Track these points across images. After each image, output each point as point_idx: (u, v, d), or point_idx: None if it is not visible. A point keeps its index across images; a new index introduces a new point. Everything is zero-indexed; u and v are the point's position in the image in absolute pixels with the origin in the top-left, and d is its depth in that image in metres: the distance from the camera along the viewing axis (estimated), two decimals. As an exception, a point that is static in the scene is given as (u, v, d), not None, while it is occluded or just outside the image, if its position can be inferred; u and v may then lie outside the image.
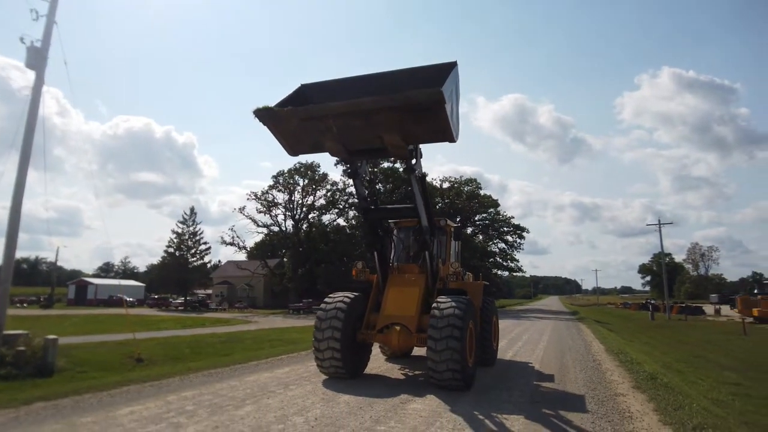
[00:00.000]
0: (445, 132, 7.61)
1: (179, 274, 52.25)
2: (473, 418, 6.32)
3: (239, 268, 59.84)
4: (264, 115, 7.78)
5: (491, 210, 63.19)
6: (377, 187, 52.13)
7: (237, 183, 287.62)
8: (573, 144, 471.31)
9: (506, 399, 7.61)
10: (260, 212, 56.42)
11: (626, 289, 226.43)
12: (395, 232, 11.36)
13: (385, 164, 52.69)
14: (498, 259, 63.73)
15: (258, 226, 56.69)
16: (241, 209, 55.84)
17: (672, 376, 10.69)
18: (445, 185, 60.62)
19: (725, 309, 49.53)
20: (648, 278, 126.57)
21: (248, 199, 57.26)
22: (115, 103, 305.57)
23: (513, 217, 65.57)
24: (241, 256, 62.01)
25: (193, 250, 54.20)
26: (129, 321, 18.22)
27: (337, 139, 7.88)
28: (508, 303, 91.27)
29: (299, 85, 9.05)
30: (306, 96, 8.74)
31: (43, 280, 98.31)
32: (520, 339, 18.60)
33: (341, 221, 58.11)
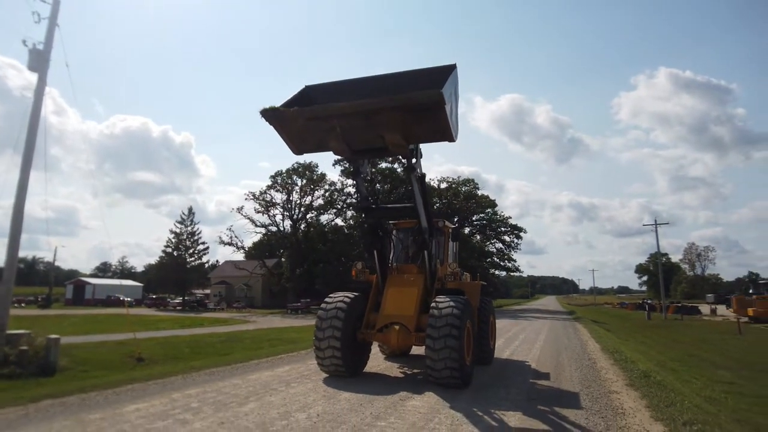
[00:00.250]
0: (444, 132, 7.82)
1: (177, 274, 52.34)
2: (471, 414, 6.49)
3: (237, 268, 59.87)
4: (271, 115, 7.96)
5: (489, 210, 63.44)
6: (376, 187, 52.26)
7: (235, 183, 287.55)
8: (570, 144, 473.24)
9: (503, 396, 7.79)
10: (258, 212, 56.48)
11: (623, 289, 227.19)
12: (394, 232, 11.53)
13: (383, 164, 52.84)
14: (495, 259, 64.00)
15: (256, 226, 56.74)
16: (239, 209, 55.90)
17: (665, 374, 10.87)
18: (443, 185, 60.80)
19: (721, 309, 49.80)
20: (645, 278, 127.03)
21: (246, 199, 57.39)
22: (112, 103, 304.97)
23: (510, 218, 65.94)
24: (239, 256, 62.09)
25: (191, 250, 54.32)
26: (131, 320, 18.33)
27: (341, 139, 8.07)
28: (506, 303, 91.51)
29: (303, 86, 9.25)
30: (310, 97, 8.93)
31: (41, 280, 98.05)
32: (517, 338, 18.79)
33: (339, 221, 58.26)
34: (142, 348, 12.38)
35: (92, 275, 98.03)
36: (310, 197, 57.42)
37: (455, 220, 54.47)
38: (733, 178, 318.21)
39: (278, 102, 8.40)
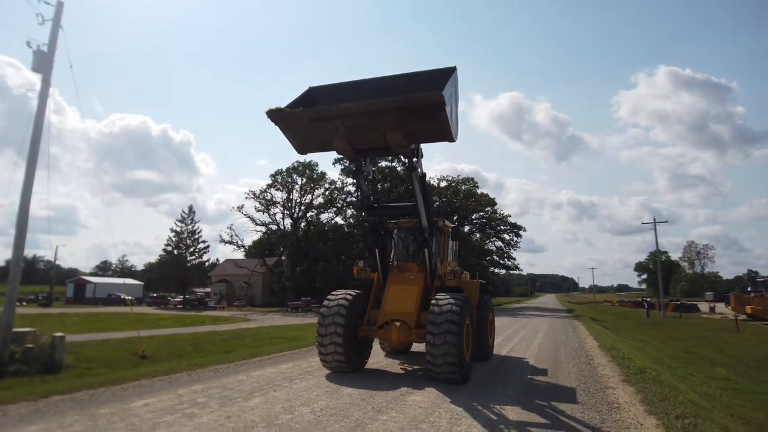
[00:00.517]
0: (444, 132, 8.02)
1: (178, 273, 52.49)
2: (470, 408, 6.67)
3: (238, 267, 60.06)
4: (276, 115, 8.15)
5: (488, 208, 63.55)
6: (377, 186, 52.43)
7: (234, 181, 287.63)
8: (570, 142, 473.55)
9: (502, 391, 7.96)
10: (259, 211, 56.67)
11: (623, 287, 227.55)
12: (395, 231, 11.71)
13: (384, 163, 52.97)
14: (495, 257, 64.17)
15: (256, 224, 56.93)
16: (240, 208, 56.09)
17: (661, 370, 11.04)
18: (443, 184, 60.96)
19: (720, 306, 50.00)
20: (644, 276, 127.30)
21: (247, 197, 57.58)
22: (111, 101, 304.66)
23: (510, 216, 66.11)
24: (240, 255, 62.30)
25: (191, 249, 54.43)
26: (132, 319, 18.49)
27: (344, 138, 8.26)
28: (506, 301, 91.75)
29: (308, 88, 9.42)
30: (314, 98, 9.11)
31: (41, 279, 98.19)
32: (516, 335, 18.97)
33: (339, 220, 58.46)
34: (145, 346, 12.53)
35: (92, 274, 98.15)
36: (310, 196, 57.63)
37: (455, 218, 54.60)
38: (733, 176, 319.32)
39: (279, 102, 8.63)
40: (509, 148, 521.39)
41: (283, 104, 8.39)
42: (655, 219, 47.72)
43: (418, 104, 7.42)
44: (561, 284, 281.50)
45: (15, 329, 10.28)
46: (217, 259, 76.94)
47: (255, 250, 65.68)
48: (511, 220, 65.18)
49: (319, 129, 8.27)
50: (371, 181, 49.94)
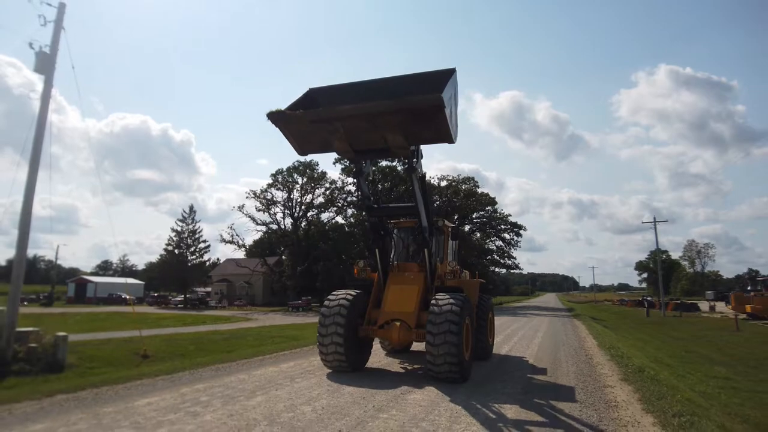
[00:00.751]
0: (444, 134, 8.09)
1: (179, 272, 52.50)
2: (469, 407, 6.75)
3: (238, 266, 60.12)
4: (277, 117, 8.22)
5: (489, 208, 63.57)
6: (377, 186, 52.49)
7: (235, 181, 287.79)
8: (570, 141, 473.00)
9: (501, 390, 8.03)
10: (259, 210, 56.70)
11: (623, 286, 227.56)
12: (395, 231, 11.78)
13: (384, 163, 53.00)
14: (495, 256, 64.18)
15: (257, 224, 56.95)
16: (240, 207, 56.15)
17: (660, 369, 11.11)
18: (443, 183, 61.00)
19: (720, 306, 50.08)
20: (645, 275, 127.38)
21: (247, 197, 57.58)
22: (111, 101, 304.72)
23: (510, 215, 66.09)
24: (240, 254, 62.34)
25: (192, 248, 54.46)
26: (134, 318, 18.58)
27: (344, 140, 8.33)
28: (506, 300, 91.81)
29: (308, 89, 9.49)
30: (314, 100, 9.18)
31: (42, 278, 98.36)
32: (516, 335, 19.03)
33: (340, 219, 58.49)
34: (147, 345, 12.60)
35: (93, 273, 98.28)
36: (310, 195, 57.60)
37: (455, 217, 54.70)
38: (733, 175, 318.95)
39: (280, 101, 8.72)
40: (509, 147, 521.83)
41: (283, 104, 8.47)
42: (655, 218, 47.82)
43: (417, 107, 7.48)
44: (561, 283, 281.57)
45: (18, 329, 10.35)
46: (218, 259, 77.12)
47: (256, 250, 65.73)
48: (512, 219, 65.22)
49: (319, 131, 8.34)
50: (371, 181, 50.02)
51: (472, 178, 63.37)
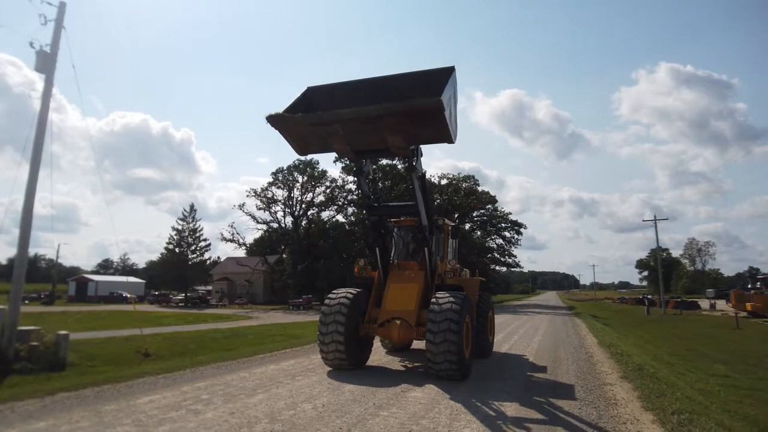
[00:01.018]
0: (444, 135, 8.14)
1: (179, 271, 52.59)
2: (469, 405, 6.77)
3: (239, 265, 60.16)
4: (276, 121, 8.24)
5: (489, 206, 63.59)
6: (378, 185, 52.47)
7: (235, 179, 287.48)
8: (571, 139, 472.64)
9: (501, 388, 8.06)
10: (260, 209, 56.77)
11: (624, 284, 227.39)
12: (395, 230, 11.80)
13: (384, 162, 53.00)
14: (496, 254, 64.20)
15: (257, 222, 57.02)
16: (241, 206, 56.24)
17: (660, 367, 11.14)
18: (444, 182, 61.02)
19: (721, 304, 50.10)
20: (645, 273, 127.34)
21: (248, 195, 57.77)
22: (112, 99, 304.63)
23: (510, 213, 66.12)
24: (241, 253, 62.36)
25: (193, 247, 54.54)
26: (135, 317, 18.62)
27: (344, 141, 8.35)
28: (506, 298, 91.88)
29: (306, 88, 9.47)
30: (312, 99, 9.15)
31: (42, 277, 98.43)
32: (516, 333, 19.06)
33: (340, 218, 58.55)
34: (148, 343, 12.63)
35: (94, 272, 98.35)
36: (311, 194, 57.63)
37: (456, 216, 54.69)
38: (734, 173, 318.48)
39: (279, 100, 8.73)
40: (510, 146, 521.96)
41: (283, 103, 8.51)
42: (655, 216, 47.78)
43: (418, 110, 7.54)
44: (562, 281, 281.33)
45: (20, 327, 10.40)
46: (219, 257, 77.03)
47: (256, 248, 65.70)
48: (512, 217, 65.21)
49: (318, 132, 8.37)
50: (372, 180, 49.98)
51: (473, 177, 63.51)
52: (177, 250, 53.72)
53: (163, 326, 21.26)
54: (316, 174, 56.91)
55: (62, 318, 23.94)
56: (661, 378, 9.12)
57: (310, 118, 8.08)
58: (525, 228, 64.88)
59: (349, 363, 9.25)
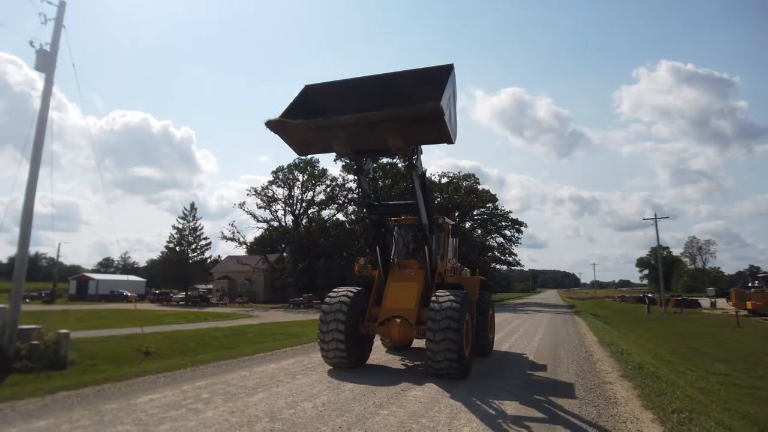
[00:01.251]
0: (444, 136, 8.21)
1: (180, 270, 52.57)
2: (469, 403, 6.78)
3: (239, 263, 60.14)
4: (275, 126, 8.24)
5: (489, 205, 63.53)
6: (378, 183, 52.46)
7: (235, 178, 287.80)
8: (571, 137, 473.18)
9: (501, 387, 8.07)
10: (260, 207, 56.79)
11: (624, 283, 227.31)
12: (396, 229, 11.80)
13: (384, 160, 52.99)
14: (496, 253, 64.17)
15: (258, 221, 57.02)
16: (241, 204, 56.24)
17: (660, 366, 11.13)
18: (444, 180, 60.99)
19: (721, 302, 50.04)
20: (646, 272, 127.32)
21: (248, 194, 57.74)
22: (112, 98, 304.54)
23: (511, 212, 66.06)
24: (241, 252, 62.40)
25: (193, 246, 54.52)
26: (135, 316, 18.63)
27: (344, 143, 8.35)
28: (507, 297, 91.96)
29: (304, 86, 9.44)
30: (311, 99, 9.14)
31: (43, 276, 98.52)
32: (517, 331, 19.07)
33: (341, 216, 58.57)
34: (149, 342, 12.64)
35: (94, 271, 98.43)
36: (311, 192, 57.64)
37: (456, 215, 54.68)
38: (735, 172, 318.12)
39: (279, 99, 8.73)
40: (510, 144, 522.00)
41: (282, 103, 8.52)
42: (656, 214, 47.62)
43: (418, 115, 7.60)
44: (562, 280, 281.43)
45: (20, 326, 10.40)
46: (219, 256, 77.08)
47: (256, 247, 65.76)
48: (513, 216, 65.16)
49: (319, 135, 8.38)
50: (372, 179, 49.93)
51: (473, 175, 63.52)
52: (177, 248, 53.66)
53: (163, 325, 21.25)
54: (316, 173, 56.93)
55: (63, 317, 23.95)
56: (661, 377, 9.11)
57: (310, 124, 8.10)
58: (525, 226, 64.88)
59: (349, 361, 9.26)
